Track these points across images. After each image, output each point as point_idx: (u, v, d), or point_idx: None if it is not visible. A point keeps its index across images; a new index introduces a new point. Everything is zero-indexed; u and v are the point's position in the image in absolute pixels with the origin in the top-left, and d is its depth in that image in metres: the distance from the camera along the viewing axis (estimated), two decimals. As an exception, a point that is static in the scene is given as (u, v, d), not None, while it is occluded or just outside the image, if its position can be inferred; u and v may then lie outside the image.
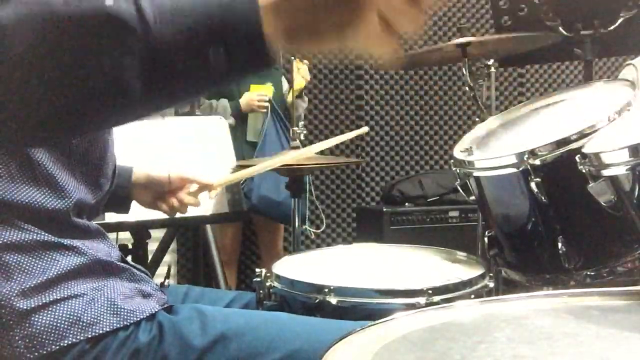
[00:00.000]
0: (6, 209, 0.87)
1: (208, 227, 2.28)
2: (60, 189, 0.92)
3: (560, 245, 1.26)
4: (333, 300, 1.14)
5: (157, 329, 0.94)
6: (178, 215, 1.29)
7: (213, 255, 2.26)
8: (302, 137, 1.94)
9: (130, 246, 1.83)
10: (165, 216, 1.30)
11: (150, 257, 2.14)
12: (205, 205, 1.86)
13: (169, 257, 2.99)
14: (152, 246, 2.18)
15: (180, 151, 1.88)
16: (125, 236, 1.88)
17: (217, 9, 0.58)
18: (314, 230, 3.51)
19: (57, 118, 0.59)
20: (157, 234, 2.28)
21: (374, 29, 0.58)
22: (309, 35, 0.59)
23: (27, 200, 0.89)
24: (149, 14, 0.56)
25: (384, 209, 3.27)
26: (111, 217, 1.02)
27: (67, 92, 0.57)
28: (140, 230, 1.85)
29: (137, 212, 1.32)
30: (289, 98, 2.93)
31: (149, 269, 1.25)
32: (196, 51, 0.58)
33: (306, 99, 3.20)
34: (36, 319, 0.86)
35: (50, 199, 0.91)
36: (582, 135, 1.21)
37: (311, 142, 3.78)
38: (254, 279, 1.26)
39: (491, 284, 1.25)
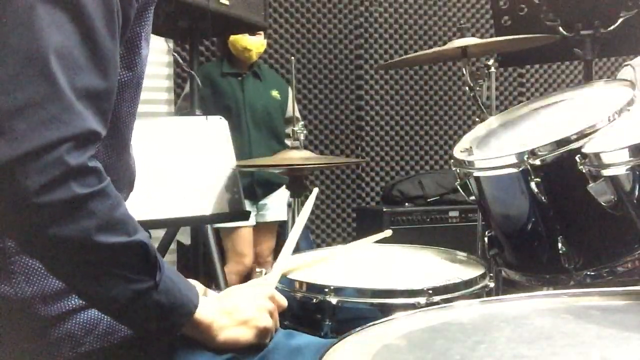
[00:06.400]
0: None
1: (208, 227, 2.28)
2: None
3: (560, 245, 1.26)
4: (333, 300, 1.15)
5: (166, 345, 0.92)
6: (178, 215, 1.29)
7: (213, 256, 2.26)
8: (302, 137, 1.94)
9: (130, 246, 1.82)
10: (165, 216, 1.30)
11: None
12: (205, 205, 1.86)
13: (169, 257, 2.99)
14: (152, 246, 2.17)
15: (180, 151, 1.88)
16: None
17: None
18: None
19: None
20: (157, 234, 2.28)
21: None
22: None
23: None
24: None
25: (384, 209, 3.27)
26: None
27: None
28: (140, 231, 1.84)
29: (137, 212, 1.32)
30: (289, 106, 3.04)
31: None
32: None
33: None
34: (55, 327, 0.86)
35: None
36: (582, 135, 1.20)
37: (311, 143, 3.79)
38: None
39: (491, 284, 1.25)
